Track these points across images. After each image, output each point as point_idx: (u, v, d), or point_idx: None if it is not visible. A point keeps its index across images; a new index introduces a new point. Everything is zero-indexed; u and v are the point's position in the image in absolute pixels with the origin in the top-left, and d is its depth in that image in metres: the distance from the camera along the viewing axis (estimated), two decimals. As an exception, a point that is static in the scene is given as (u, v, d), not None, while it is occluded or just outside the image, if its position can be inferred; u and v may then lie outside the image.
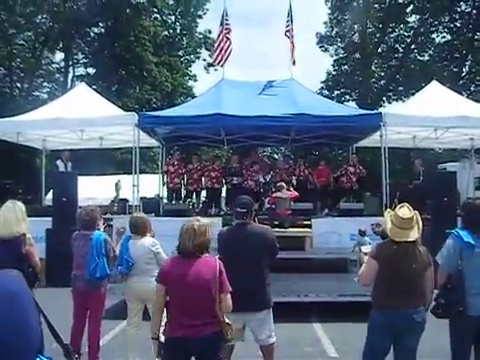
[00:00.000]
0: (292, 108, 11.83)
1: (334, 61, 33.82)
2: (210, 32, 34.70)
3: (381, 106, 30.21)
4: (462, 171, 14.63)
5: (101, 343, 5.47)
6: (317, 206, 12.83)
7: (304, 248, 10.48)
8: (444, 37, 30.93)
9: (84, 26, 31.12)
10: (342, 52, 33.86)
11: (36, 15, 29.81)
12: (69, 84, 30.94)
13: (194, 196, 14.09)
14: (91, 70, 32.78)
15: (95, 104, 12.83)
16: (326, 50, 33.89)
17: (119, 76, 31.76)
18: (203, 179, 13.60)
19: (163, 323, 3.56)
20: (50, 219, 10.70)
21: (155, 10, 34.67)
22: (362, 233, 9.53)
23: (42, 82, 31.83)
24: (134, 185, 11.81)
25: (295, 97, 12.76)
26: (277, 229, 9.64)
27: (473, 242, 3.88)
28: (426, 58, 31.40)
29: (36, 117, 12.33)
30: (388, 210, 4.13)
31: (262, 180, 13.62)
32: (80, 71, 33.48)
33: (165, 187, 14.36)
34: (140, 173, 12.42)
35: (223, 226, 7.16)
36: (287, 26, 14.32)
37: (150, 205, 12.08)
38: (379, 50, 32.90)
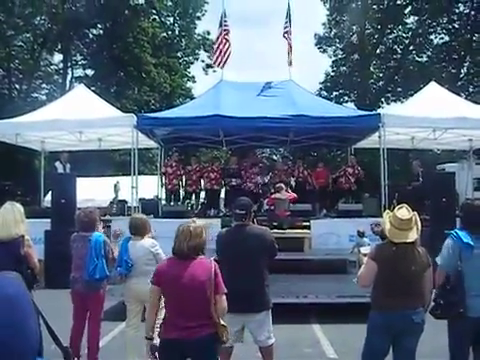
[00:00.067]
0: (291, 109, 11.84)
1: (332, 62, 33.86)
2: (209, 33, 34.77)
3: (380, 107, 30.21)
4: (461, 172, 14.67)
5: (100, 345, 5.46)
6: (316, 207, 12.83)
7: (303, 249, 10.49)
8: (442, 38, 31.02)
9: (83, 27, 31.11)
10: (341, 53, 33.88)
11: (35, 17, 29.79)
12: (68, 85, 30.93)
13: (193, 197, 14.10)
14: (90, 71, 32.83)
15: (94, 105, 12.81)
16: (324, 51, 33.94)
17: (118, 77, 31.76)
18: (202, 180, 13.61)
19: (158, 324, 3.57)
20: (49, 221, 10.69)
21: (153, 11, 34.70)
22: (361, 234, 9.52)
23: (41, 83, 31.80)
24: (133, 186, 11.80)
25: (294, 98, 12.77)
26: (276, 230, 9.66)
27: (472, 243, 3.88)
28: (424, 59, 31.43)
29: (35, 118, 12.32)
30: (387, 211, 4.12)
31: (261, 181, 13.62)
32: (79, 72, 33.56)
33: (163, 188, 14.36)
34: (139, 174, 12.42)
35: (222, 227, 7.17)
36: (285, 27, 14.34)
37: (149, 206, 12.08)
38: (377, 51, 32.93)
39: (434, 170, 16.55)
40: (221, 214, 12.74)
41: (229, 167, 13.99)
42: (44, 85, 32.02)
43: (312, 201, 12.53)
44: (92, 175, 18.55)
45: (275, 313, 4.61)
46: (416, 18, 31.63)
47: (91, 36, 32.90)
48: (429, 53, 31.48)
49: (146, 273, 5.11)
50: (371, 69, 32.69)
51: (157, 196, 14.80)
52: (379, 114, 12.21)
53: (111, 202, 14.39)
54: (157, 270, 3.60)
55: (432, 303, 3.91)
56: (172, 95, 33.46)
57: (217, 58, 14.16)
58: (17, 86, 30.52)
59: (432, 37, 31.30)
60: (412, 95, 17.94)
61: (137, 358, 5.27)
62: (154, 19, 34.82)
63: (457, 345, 3.96)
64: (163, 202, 14.10)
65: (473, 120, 11.32)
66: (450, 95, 13.80)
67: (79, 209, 6.43)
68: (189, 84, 36.46)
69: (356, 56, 32.80)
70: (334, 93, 32.95)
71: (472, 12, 29.55)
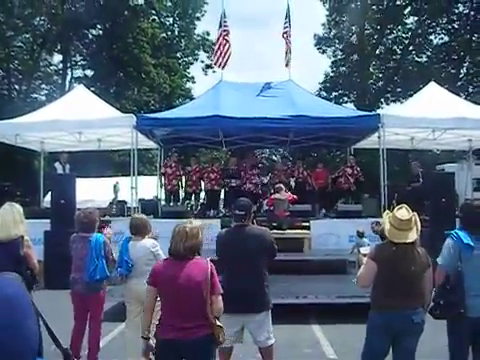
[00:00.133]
0: (290, 110, 11.84)
1: (332, 62, 33.88)
2: (208, 34, 34.83)
3: (379, 107, 30.25)
4: (460, 172, 14.66)
5: (100, 345, 5.46)
6: (315, 208, 12.83)
7: (303, 250, 10.50)
8: (442, 38, 31.04)
9: (82, 28, 31.11)
10: (340, 54, 33.90)
11: (34, 17, 29.79)
12: (67, 86, 30.92)
13: (193, 198, 14.10)
14: (89, 72, 32.86)
15: (93, 106, 12.81)
16: (324, 52, 33.95)
17: (117, 78, 31.76)
18: (203, 181, 13.61)
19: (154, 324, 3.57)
20: (48, 221, 10.67)
21: (153, 12, 34.71)
22: (360, 234, 9.53)
23: (40, 84, 31.79)
24: (132, 187, 11.80)
25: (293, 99, 12.77)
26: (276, 231, 9.66)
27: (472, 244, 3.89)
28: (424, 59, 31.44)
29: (34, 119, 12.31)
30: (387, 212, 4.12)
31: (260, 182, 13.62)
32: (78, 73, 33.57)
33: (163, 189, 14.36)
34: (138, 175, 12.41)
35: (222, 228, 7.17)
36: (285, 28, 14.34)
37: (148, 207, 12.09)
38: (377, 51, 32.95)
39: (434, 170, 16.55)
40: (221, 215, 12.74)
41: (229, 168, 13.99)
42: (43, 86, 32.02)
43: (312, 201, 12.53)
44: (92, 176, 18.55)
45: (275, 313, 4.61)
46: (415, 18, 31.64)
47: (90, 37, 32.91)
48: (429, 53, 31.49)
49: (146, 273, 5.08)
50: (370, 69, 32.69)
51: (157, 196, 14.81)
52: (378, 114, 12.20)
53: (111, 203, 14.39)
54: (153, 270, 3.60)
55: (432, 303, 3.91)
56: (172, 96, 33.47)
57: (218, 59, 14.16)
58: (17, 87, 30.51)
59: (432, 37, 31.36)
60: (411, 95, 17.92)
61: (137, 359, 5.27)
62: (154, 20, 34.85)
63: (457, 345, 3.96)
64: (163, 202, 14.10)
65: (472, 120, 11.32)
66: (450, 95, 13.80)
67: (79, 210, 6.42)
68: (189, 85, 36.54)
69: (355, 56, 32.81)
70: (333, 93, 32.97)
71: (472, 12, 29.57)
